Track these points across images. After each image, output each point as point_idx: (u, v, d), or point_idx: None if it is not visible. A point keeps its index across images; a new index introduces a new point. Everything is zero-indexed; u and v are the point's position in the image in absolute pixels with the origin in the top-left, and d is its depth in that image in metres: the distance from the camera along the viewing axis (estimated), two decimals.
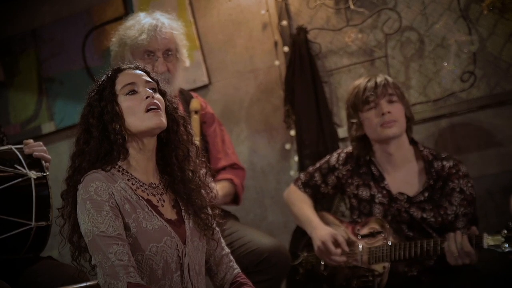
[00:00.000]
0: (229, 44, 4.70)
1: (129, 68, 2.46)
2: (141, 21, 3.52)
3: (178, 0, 4.71)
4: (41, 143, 2.93)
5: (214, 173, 3.64)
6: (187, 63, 3.66)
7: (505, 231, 2.87)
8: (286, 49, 4.44)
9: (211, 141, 3.70)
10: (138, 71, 2.45)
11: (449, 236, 3.01)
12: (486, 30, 3.98)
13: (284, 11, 4.45)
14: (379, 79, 3.35)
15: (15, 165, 2.77)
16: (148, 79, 2.44)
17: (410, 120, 3.39)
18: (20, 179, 2.76)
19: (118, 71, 2.44)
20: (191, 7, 4.72)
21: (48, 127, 5.13)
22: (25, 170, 2.78)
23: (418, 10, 4.14)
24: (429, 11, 4.11)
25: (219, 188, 3.51)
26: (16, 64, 5.26)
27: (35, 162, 2.84)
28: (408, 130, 3.39)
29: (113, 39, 3.60)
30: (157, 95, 2.41)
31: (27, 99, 5.22)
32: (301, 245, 3.55)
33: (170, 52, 3.53)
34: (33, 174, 2.77)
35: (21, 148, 2.87)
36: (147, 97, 2.36)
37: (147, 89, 2.40)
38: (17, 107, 5.25)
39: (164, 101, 2.44)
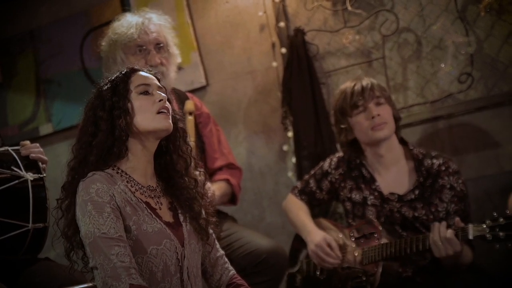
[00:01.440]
0: (227, 46, 4.70)
1: (144, 70, 2.49)
2: (129, 19, 3.54)
3: (176, 2, 4.72)
4: (37, 144, 2.92)
5: (211, 174, 3.65)
6: (179, 59, 3.66)
7: (489, 221, 2.88)
8: (283, 50, 4.44)
9: (207, 141, 3.70)
10: (152, 75, 2.48)
11: (433, 227, 3.03)
12: (484, 32, 3.99)
13: (282, 13, 4.45)
14: (365, 82, 3.35)
15: (12, 167, 2.77)
16: (160, 85, 2.47)
17: (398, 120, 3.41)
18: (17, 181, 2.75)
19: (133, 70, 2.46)
20: (189, 9, 4.72)
21: (46, 129, 5.13)
22: (22, 172, 2.77)
23: (416, 11, 4.14)
24: (427, 12, 4.12)
25: (216, 188, 3.51)
26: (14, 65, 5.26)
27: (32, 164, 2.83)
28: (397, 130, 3.41)
29: (102, 43, 3.60)
30: (167, 103, 2.44)
31: (25, 100, 5.21)
32: (300, 251, 3.56)
33: (161, 45, 3.53)
34: (30, 176, 2.77)
35: (18, 149, 2.86)
36: (160, 100, 2.39)
37: (160, 93, 2.42)
38: (15, 109, 5.25)
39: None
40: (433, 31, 4.11)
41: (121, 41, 3.48)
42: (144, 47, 3.49)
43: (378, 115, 3.29)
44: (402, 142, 3.43)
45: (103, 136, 2.33)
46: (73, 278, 2.67)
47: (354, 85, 3.35)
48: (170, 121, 2.40)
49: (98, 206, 2.24)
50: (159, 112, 2.37)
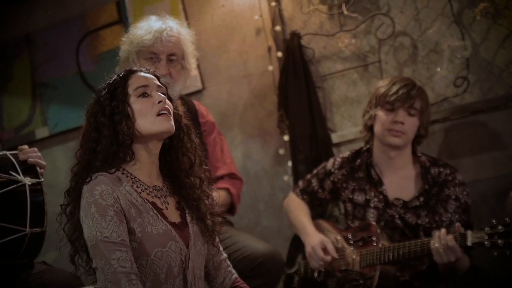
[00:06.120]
0: (223, 49, 4.70)
1: (142, 70, 2.47)
2: (151, 23, 3.53)
3: (172, 5, 4.71)
4: (35, 149, 2.92)
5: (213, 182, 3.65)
6: (194, 72, 3.65)
7: (488, 228, 2.89)
8: (279, 54, 4.44)
9: (210, 150, 3.68)
10: (150, 75, 2.46)
11: (434, 234, 3.04)
12: (479, 36, 4.00)
13: (278, 16, 4.45)
14: (413, 90, 3.30)
15: (10, 171, 2.77)
16: (159, 84, 2.46)
17: (420, 136, 3.41)
18: (14, 185, 2.75)
19: (131, 72, 2.44)
20: (185, 12, 4.72)
21: (42, 132, 5.12)
22: (20, 176, 2.77)
23: (411, 15, 4.15)
24: (422, 16, 4.13)
25: (215, 196, 3.50)
26: (10, 69, 5.25)
27: (30, 168, 2.83)
28: (414, 144, 3.42)
29: (123, 38, 3.60)
30: (168, 101, 2.42)
31: (21, 104, 5.21)
32: (298, 253, 3.56)
33: (174, 57, 3.51)
34: (27, 180, 2.77)
35: (16, 154, 2.86)
36: (159, 102, 2.38)
37: (159, 93, 2.41)
38: (11, 112, 5.24)
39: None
40: (429, 35, 4.12)
41: (137, 43, 3.49)
42: (157, 55, 3.49)
43: (402, 123, 3.29)
44: (413, 151, 3.44)
45: (107, 142, 2.33)
46: (70, 283, 2.67)
47: (404, 85, 3.32)
48: (172, 122, 2.39)
49: (101, 209, 2.24)
50: (159, 114, 2.37)
